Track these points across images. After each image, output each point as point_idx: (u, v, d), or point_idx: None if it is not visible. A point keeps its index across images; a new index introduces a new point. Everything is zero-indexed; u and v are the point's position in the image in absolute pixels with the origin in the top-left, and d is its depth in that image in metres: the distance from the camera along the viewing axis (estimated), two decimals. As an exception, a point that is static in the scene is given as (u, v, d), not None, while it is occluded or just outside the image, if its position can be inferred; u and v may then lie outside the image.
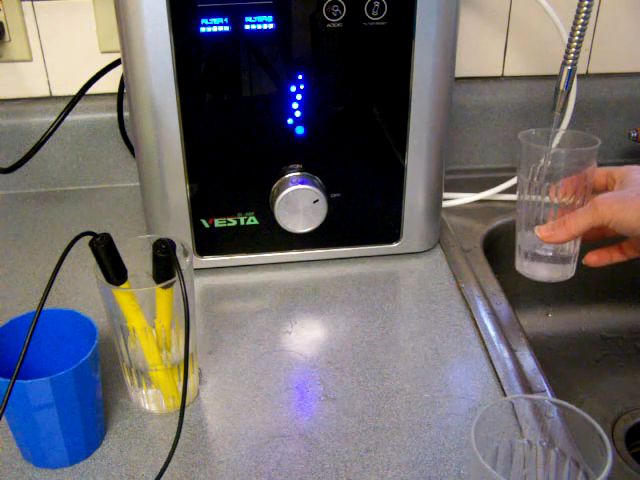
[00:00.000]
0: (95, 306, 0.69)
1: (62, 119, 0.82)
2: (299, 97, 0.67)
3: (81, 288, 0.73)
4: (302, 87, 0.66)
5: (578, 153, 0.64)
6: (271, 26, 0.63)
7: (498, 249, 0.85)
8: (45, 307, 0.49)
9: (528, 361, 0.63)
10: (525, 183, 0.65)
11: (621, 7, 0.92)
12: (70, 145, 0.92)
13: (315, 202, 0.70)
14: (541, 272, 0.68)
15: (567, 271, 0.68)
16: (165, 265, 0.52)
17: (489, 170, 0.97)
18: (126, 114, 0.89)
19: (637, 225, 0.59)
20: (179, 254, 0.53)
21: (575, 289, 0.92)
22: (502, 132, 0.97)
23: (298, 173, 0.70)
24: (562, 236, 0.62)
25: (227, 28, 0.63)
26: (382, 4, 0.63)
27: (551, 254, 0.66)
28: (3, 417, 0.47)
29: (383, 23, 0.64)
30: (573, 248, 0.66)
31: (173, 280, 0.52)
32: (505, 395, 0.59)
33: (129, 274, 0.53)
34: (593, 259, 0.67)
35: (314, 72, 0.66)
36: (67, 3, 0.86)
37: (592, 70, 0.96)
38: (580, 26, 0.68)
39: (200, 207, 0.71)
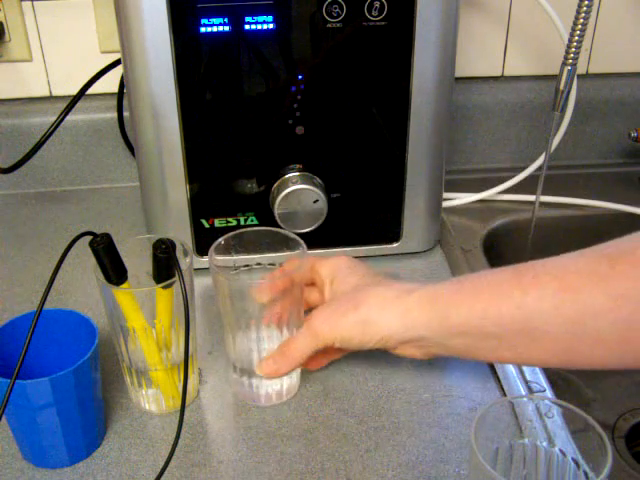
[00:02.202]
0: (95, 306, 0.69)
1: (62, 119, 0.82)
2: (299, 97, 0.67)
3: (81, 288, 0.73)
4: (302, 87, 0.66)
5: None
6: (271, 26, 0.63)
7: (498, 249, 0.85)
8: (45, 307, 0.48)
9: (528, 361, 0.63)
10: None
11: (621, 7, 0.92)
12: (70, 145, 0.92)
13: (315, 202, 0.70)
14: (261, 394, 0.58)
15: (292, 388, 0.60)
16: (165, 265, 0.52)
17: (489, 170, 0.97)
18: (126, 114, 0.89)
19: (365, 339, 0.54)
20: (179, 254, 0.53)
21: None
22: (502, 132, 0.97)
23: (298, 173, 0.70)
24: (286, 367, 0.55)
25: (227, 28, 0.63)
26: (382, 4, 0.63)
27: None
28: (3, 417, 0.47)
29: (383, 23, 0.64)
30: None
31: (173, 280, 0.52)
32: (505, 395, 0.59)
33: (129, 274, 0.53)
34: (312, 364, 0.60)
35: (314, 72, 0.66)
36: (67, 3, 0.86)
37: (592, 70, 0.96)
38: (580, 26, 0.68)
39: (200, 207, 0.71)
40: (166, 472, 0.50)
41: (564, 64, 0.71)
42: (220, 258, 0.58)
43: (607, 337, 0.46)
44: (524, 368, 0.62)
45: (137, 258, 0.55)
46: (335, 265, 0.60)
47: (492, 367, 0.62)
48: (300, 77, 0.66)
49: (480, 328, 0.50)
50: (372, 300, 0.55)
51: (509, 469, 0.46)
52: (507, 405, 0.45)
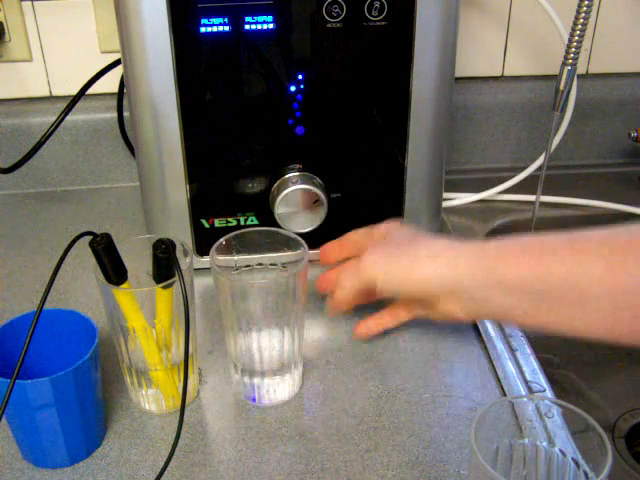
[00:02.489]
0: (95, 306, 0.69)
1: (62, 119, 0.82)
2: (299, 97, 0.67)
3: (81, 288, 0.73)
4: (302, 87, 0.66)
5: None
6: (271, 26, 0.63)
7: (498, 249, 0.85)
8: (45, 307, 0.48)
9: (528, 361, 0.63)
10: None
11: (621, 7, 0.92)
12: (70, 145, 0.92)
13: (315, 202, 0.70)
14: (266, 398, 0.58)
15: (293, 388, 0.59)
16: (165, 265, 0.52)
17: (489, 170, 0.97)
18: (126, 114, 0.89)
19: (408, 280, 0.57)
20: (179, 254, 0.53)
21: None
22: (502, 132, 0.97)
23: (298, 173, 0.70)
24: (340, 303, 0.62)
25: (227, 28, 0.63)
26: (382, 4, 0.63)
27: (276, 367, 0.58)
28: (3, 417, 0.47)
29: (383, 23, 0.64)
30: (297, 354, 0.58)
31: (173, 280, 0.52)
32: (505, 395, 0.59)
33: (129, 274, 0.53)
34: (362, 331, 0.64)
35: (314, 72, 0.66)
36: (67, 3, 0.86)
37: (592, 70, 0.96)
38: (580, 26, 0.68)
39: (200, 207, 0.71)
40: (166, 472, 0.50)
41: (564, 64, 0.71)
42: (221, 258, 0.58)
43: None
44: (524, 368, 0.62)
45: (137, 258, 0.55)
46: (388, 226, 0.64)
47: (492, 367, 0.62)
48: (300, 77, 0.66)
49: (525, 285, 0.51)
50: (422, 246, 0.58)
51: (509, 469, 0.46)
52: (507, 405, 0.45)
